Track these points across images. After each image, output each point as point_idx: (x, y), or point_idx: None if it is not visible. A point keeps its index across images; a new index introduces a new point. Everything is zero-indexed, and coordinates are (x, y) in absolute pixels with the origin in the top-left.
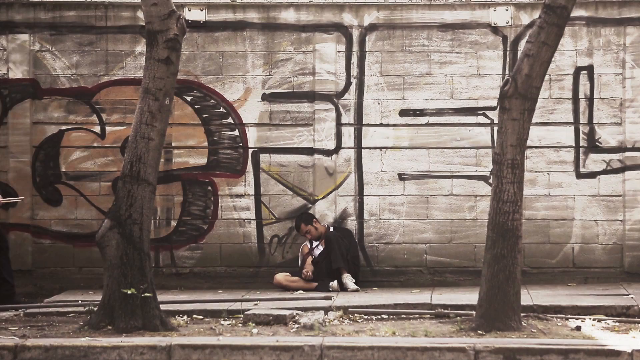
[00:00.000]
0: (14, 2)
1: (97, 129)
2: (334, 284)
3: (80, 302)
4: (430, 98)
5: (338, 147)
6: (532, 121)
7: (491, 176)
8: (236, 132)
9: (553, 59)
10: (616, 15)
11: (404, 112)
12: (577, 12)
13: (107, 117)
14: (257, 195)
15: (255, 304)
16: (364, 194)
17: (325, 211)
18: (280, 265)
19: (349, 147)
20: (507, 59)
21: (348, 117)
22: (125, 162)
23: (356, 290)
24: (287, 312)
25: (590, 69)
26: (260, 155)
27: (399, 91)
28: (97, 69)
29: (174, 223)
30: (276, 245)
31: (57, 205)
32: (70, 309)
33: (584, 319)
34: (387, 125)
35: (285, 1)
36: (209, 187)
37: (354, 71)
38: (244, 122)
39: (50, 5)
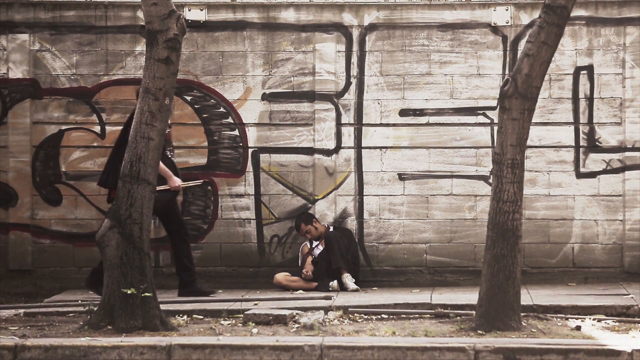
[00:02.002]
0: (14, 2)
1: (97, 128)
2: (334, 283)
3: (80, 302)
4: (430, 98)
5: (338, 147)
6: (532, 121)
7: (491, 176)
8: (236, 132)
9: (553, 59)
10: (616, 15)
11: (404, 112)
12: (577, 12)
13: (107, 117)
14: (257, 195)
15: (255, 304)
16: (364, 193)
17: (325, 211)
18: (280, 265)
19: (349, 147)
20: (507, 59)
21: (348, 117)
22: (125, 162)
23: (356, 290)
24: (287, 312)
25: (590, 68)
26: (260, 155)
27: (399, 91)
28: (97, 69)
29: None
30: (276, 245)
31: (57, 205)
32: (70, 309)
33: (584, 318)
34: (387, 125)
35: (285, 1)
36: (209, 187)
37: (354, 71)
38: (244, 122)
39: (50, 5)
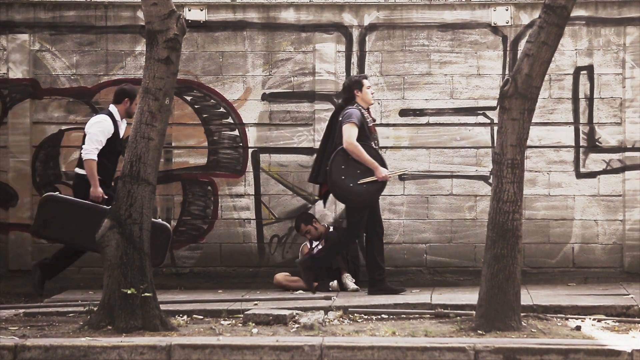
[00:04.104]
0: (14, 2)
1: None
2: (334, 284)
3: (80, 302)
4: (430, 98)
5: None
6: (532, 121)
7: (491, 176)
8: (236, 132)
9: (553, 59)
10: (616, 15)
11: (404, 112)
12: (577, 12)
13: None
14: (257, 195)
15: (255, 304)
16: None
17: (325, 211)
18: (280, 265)
19: None
20: (507, 59)
21: None
22: (125, 162)
23: (356, 290)
24: (287, 312)
25: (590, 69)
26: (260, 155)
27: (399, 91)
28: (97, 69)
29: (174, 223)
30: (276, 245)
31: None
32: (70, 309)
33: (584, 319)
34: (387, 125)
35: (285, 1)
36: (209, 187)
37: (354, 71)
38: (244, 122)
39: (50, 5)
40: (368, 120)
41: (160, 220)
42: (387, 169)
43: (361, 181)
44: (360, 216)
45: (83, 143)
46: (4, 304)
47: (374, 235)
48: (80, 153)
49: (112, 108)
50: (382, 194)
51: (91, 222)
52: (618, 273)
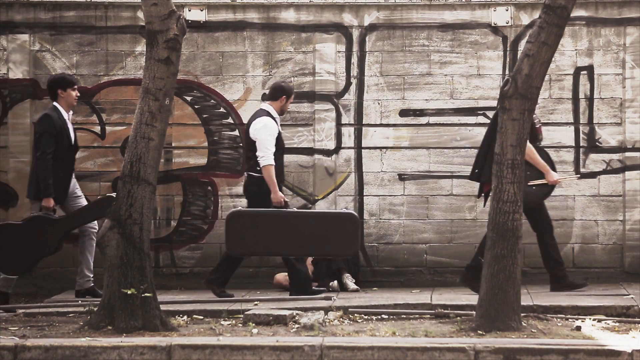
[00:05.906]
0: (14, 2)
1: (97, 129)
2: (334, 284)
3: (80, 302)
4: (430, 98)
5: (338, 147)
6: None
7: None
8: (236, 132)
9: (553, 59)
10: (616, 15)
11: (404, 112)
12: (577, 12)
13: (107, 117)
14: None
15: (255, 304)
16: (364, 194)
17: None
18: (280, 265)
19: (349, 147)
20: (507, 59)
21: (348, 117)
22: (125, 162)
23: (356, 290)
24: (287, 312)
25: (590, 69)
26: None
27: (399, 91)
28: (97, 69)
29: (174, 223)
30: None
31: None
32: (70, 309)
33: (584, 319)
34: (387, 125)
35: (285, 1)
36: (209, 187)
37: (354, 71)
38: (244, 122)
39: (50, 5)
40: (535, 121)
41: (345, 209)
42: (556, 172)
43: (531, 183)
44: (536, 215)
45: (250, 149)
46: (4, 304)
47: (544, 233)
48: (251, 158)
49: (268, 107)
50: (382, 194)
51: (279, 228)
52: (618, 273)
